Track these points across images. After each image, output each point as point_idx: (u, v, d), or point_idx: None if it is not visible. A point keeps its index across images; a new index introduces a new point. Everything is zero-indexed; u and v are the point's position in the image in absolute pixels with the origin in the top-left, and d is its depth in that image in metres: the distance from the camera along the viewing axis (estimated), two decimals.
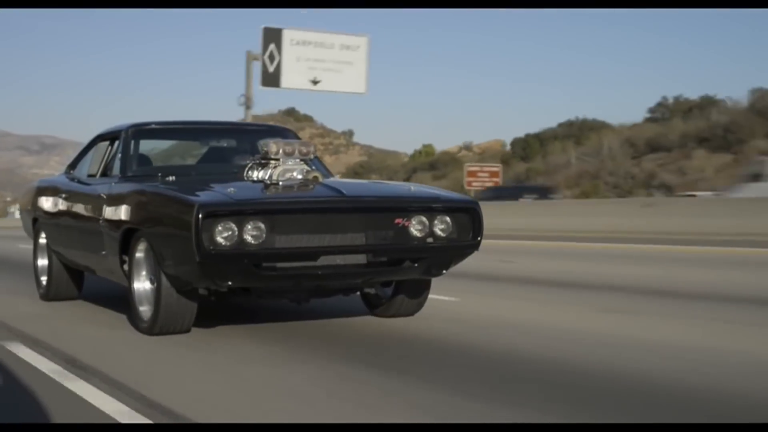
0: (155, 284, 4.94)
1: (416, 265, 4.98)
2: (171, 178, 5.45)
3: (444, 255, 5.09)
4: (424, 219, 4.96)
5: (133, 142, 6.02)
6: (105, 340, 5.10)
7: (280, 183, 5.05)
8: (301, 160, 5.28)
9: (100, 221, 5.60)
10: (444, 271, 5.18)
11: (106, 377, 3.91)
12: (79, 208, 6.19)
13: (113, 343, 4.96)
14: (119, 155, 5.98)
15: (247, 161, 5.49)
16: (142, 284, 5.16)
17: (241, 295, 5.06)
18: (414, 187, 5.37)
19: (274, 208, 4.71)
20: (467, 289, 7.21)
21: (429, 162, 63.32)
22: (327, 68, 22.50)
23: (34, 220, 7.25)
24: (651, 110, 38.07)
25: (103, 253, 5.62)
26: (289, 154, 5.18)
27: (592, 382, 3.74)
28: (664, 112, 37.28)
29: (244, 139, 6.53)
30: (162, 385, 3.79)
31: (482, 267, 8.69)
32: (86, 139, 7.02)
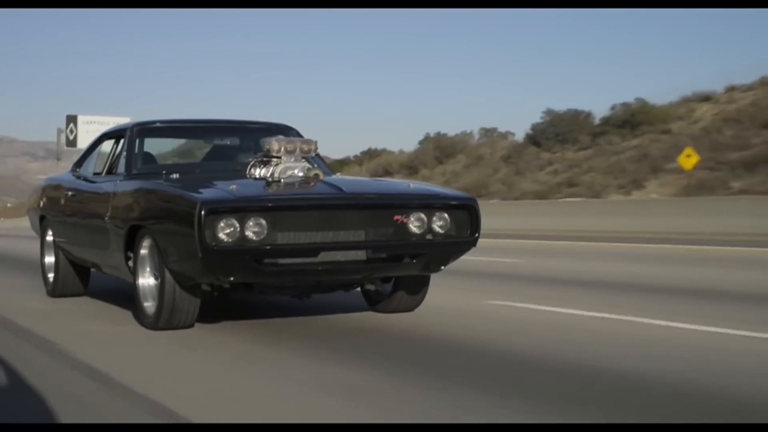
0: (159, 280, 5.03)
1: (415, 261, 5.06)
2: (175, 176, 5.54)
3: (442, 251, 5.18)
4: (422, 216, 5.04)
5: (137, 140, 6.12)
6: (109, 336, 5.18)
7: (282, 180, 5.13)
8: (303, 157, 5.36)
9: (106, 218, 5.69)
10: (442, 267, 5.26)
11: (108, 374, 3.98)
12: (85, 206, 6.29)
13: (117, 339, 5.05)
14: (124, 153, 6.08)
15: (250, 159, 5.59)
16: (146, 280, 5.25)
17: (243, 290, 5.15)
18: (413, 185, 5.45)
19: (275, 205, 4.80)
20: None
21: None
22: None
23: (42, 218, 7.35)
24: (420, 141, 48.28)
25: (109, 249, 5.71)
26: (290, 152, 5.27)
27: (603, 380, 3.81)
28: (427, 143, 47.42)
29: (248, 137, 6.60)
30: (164, 382, 3.85)
31: None
32: None
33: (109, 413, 3.31)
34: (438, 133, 46.23)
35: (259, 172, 5.31)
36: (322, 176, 5.24)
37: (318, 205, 4.93)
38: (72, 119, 42.59)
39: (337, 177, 5.71)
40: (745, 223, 15.41)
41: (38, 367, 4.18)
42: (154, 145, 6.50)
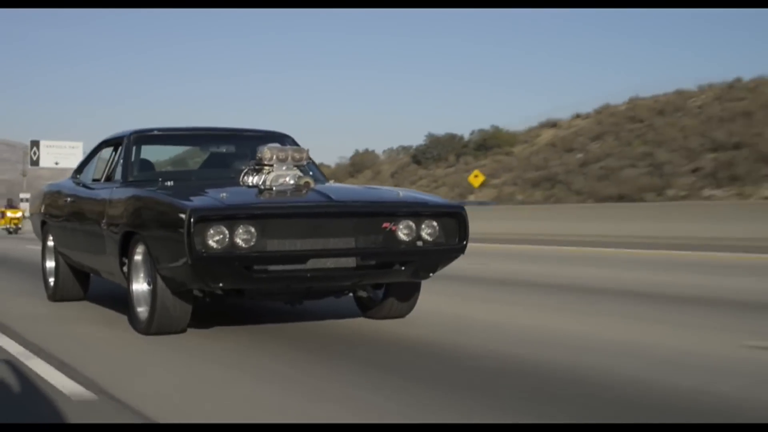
0: (152, 286, 5.11)
1: (404, 268, 5.12)
2: (169, 183, 5.62)
3: (431, 258, 5.23)
4: (411, 223, 5.11)
5: (134, 147, 6.20)
6: (105, 340, 5.26)
7: (273, 188, 5.19)
8: (295, 165, 5.43)
9: (102, 225, 5.78)
10: (431, 274, 5.32)
11: (103, 376, 4.06)
12: (84, 212, 6.38)
13: (113, 343, 5.13)
14: (121, 161, 6.17)
15: (244, 167, 5.66)
16: (140, 286, 5.33)
17: (234, 296, 5.22)
18: (402, 193, 5.51)
19: (265, 213, 4.87)
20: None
21: None
22: (63, 156, 53.98)
23: (43, 223, 7.46)
24: (350, 157, 56.98)
25: (105, 255, 5.80)
26: (282, 160, 5.33)
27: (588, 386, 3.87)
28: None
29: (244, 144, 6.67)
30: (157, 384, 3.93)
31: None
32: None
33: (105, 414, 3.37)
34: (366, 150, 55.44)
35: (251, 179, 5.37)
36: (312, 184, 5.30)
37: (307, 212, 5.00)
38: (35, 143, 55.09)
39: (329, 185, 5.77)
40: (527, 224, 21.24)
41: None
42: (154, 153, 6.59)
